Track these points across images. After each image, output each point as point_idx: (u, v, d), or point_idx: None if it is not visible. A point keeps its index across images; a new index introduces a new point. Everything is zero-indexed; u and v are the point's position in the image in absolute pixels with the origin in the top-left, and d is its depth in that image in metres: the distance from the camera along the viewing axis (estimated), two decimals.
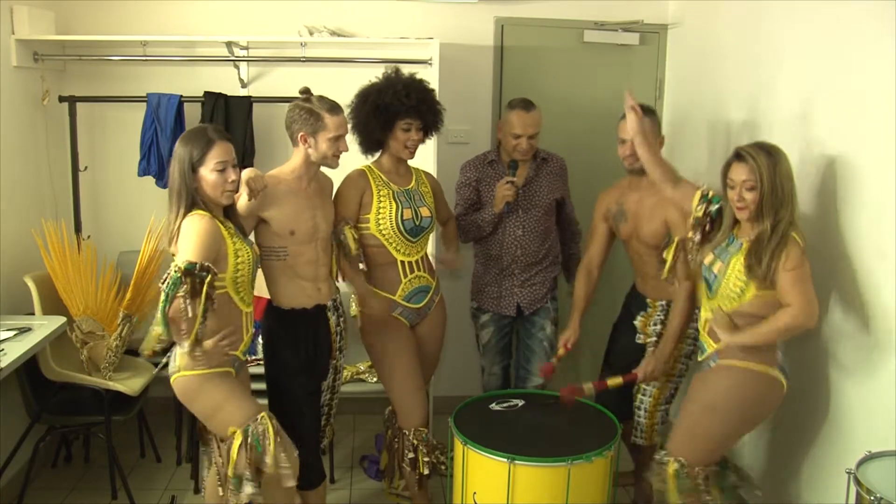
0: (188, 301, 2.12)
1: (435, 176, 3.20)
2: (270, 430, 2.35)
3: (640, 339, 2.96)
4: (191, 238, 2.23)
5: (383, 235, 2.84)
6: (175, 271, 2.13)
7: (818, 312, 2.30)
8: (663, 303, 2.92)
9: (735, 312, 2.42)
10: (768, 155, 2.34)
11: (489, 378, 3.42)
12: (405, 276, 2.92)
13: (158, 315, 2.13)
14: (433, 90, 2.92)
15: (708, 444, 2.45)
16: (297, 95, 2.64)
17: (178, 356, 2.36)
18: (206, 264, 2.17)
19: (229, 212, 2.47)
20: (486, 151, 3.34)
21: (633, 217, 2.92)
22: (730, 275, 2.41)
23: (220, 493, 2.40)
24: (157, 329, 2.15)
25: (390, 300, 2.91)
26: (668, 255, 2.76)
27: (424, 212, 2.91)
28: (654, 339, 2.91)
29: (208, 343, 2.26)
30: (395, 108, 2.80)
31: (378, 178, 2.88)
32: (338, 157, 2.68)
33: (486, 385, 3.43)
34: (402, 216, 2.84)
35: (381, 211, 2.82)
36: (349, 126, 2.76)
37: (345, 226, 2.79)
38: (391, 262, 2.89)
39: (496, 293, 3.30)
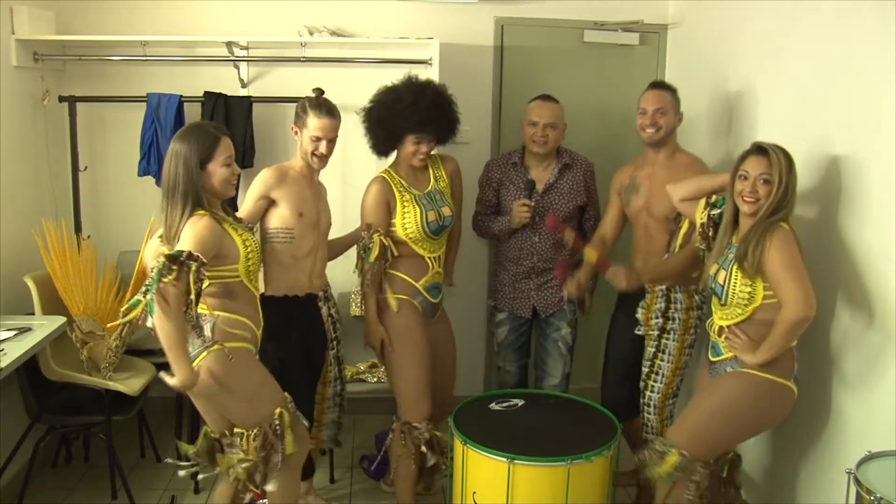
0: (176, 287, 2.10)
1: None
2: (287, 417, 2.46)
3: (640, 330, 2.94)
4: (191, 235, 2.25)
5: (410, 238, 2.92)
6: (162, 258, 2.12)
7: (814, 300, 2.28)
8: (662, 288, 2.91)
9: (751, 321, 2.40)
10: (785, 155, 2.38)
11: (505, 375, 3.41)
12: (431, 267, 2.99)
13: (140, 297, 2.12)
14: (445, 101, 2.93)
15: (712, 445, 2.48)
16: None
17: (208, 329, 2.36)
18: (195, 254, 2.17)
19: (226, 205, 2.52)
20: (510, 151, 3.32)
21: (647, 191, 2.94)
22: (734, 282, 2.40)
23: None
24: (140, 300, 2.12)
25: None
26: (683, 225, 2.77)
27: (446, 211, 2.99)
28: (656, 332, 2.90)
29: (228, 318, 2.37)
30: (398, 125, 2.87)
31: (399, 184, 2.94)
32: (318, 158, 2.75)
33: (501, 383, 3.43)
34: (426, 219, 2.91)
35: (405, 216, 2.89)
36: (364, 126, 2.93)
37: (374, 233, 2.86)
38: (419, 255, 2.97)
39: (512, 294, 3.29)
